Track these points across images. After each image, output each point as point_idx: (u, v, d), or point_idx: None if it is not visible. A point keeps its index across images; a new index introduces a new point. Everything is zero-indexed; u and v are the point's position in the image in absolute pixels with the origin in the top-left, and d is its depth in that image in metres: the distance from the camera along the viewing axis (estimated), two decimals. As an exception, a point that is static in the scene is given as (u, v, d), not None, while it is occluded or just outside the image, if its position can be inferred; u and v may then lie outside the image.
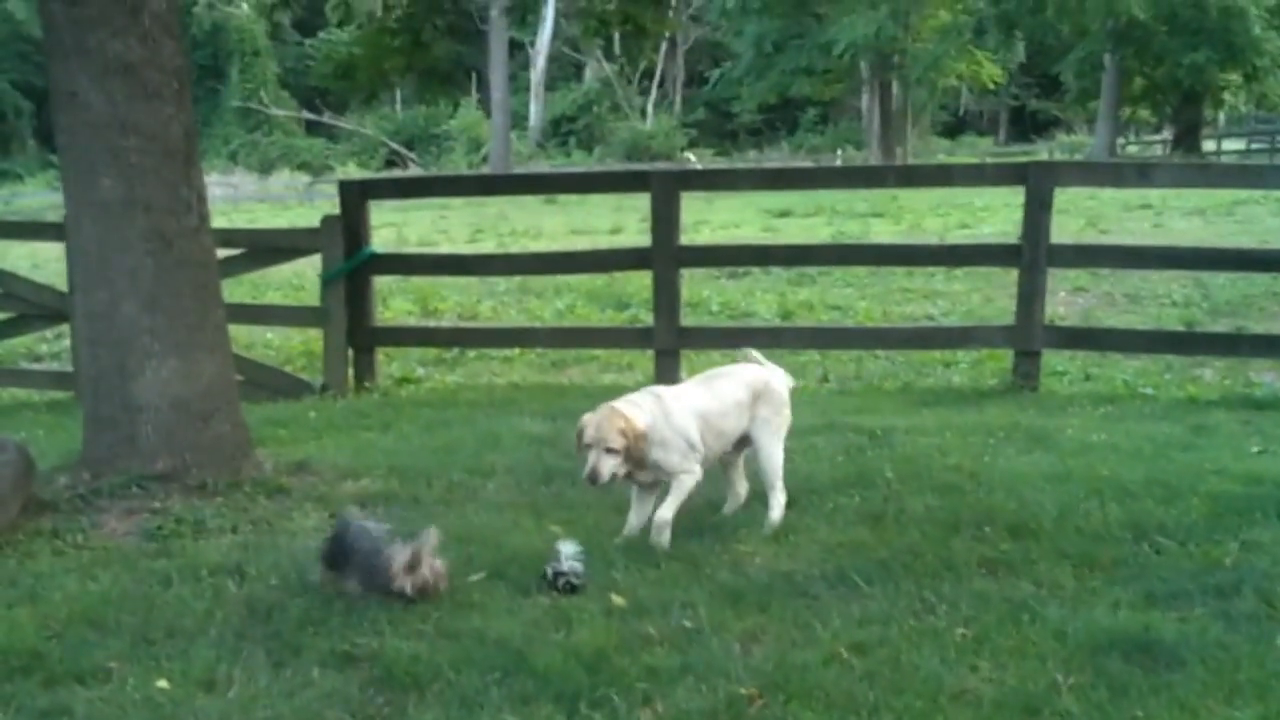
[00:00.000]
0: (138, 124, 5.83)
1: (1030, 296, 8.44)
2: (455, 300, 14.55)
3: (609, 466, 4.85)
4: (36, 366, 11.60)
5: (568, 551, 4.62)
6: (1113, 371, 9.63)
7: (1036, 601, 4.30)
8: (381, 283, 9.80)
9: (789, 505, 5.41)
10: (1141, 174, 10.70)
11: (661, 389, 5.35)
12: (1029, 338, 8.51)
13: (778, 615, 4.27)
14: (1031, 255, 8.40)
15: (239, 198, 41.04)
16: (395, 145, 56.09)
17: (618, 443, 4.83)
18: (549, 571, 4.59)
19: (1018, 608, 4.24)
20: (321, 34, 52.96)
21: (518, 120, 54.71)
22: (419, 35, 9.81)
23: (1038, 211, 8.39)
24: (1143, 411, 7.76)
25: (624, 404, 5.02)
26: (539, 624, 4.23)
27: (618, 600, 4.39)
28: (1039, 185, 8.41)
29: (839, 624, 4.16)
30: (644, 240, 9.48)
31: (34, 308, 9.74)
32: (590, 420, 4.90)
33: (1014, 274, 8.74)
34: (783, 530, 5.15)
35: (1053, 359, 9.20)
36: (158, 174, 5.91)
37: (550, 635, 4.12)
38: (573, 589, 4.53)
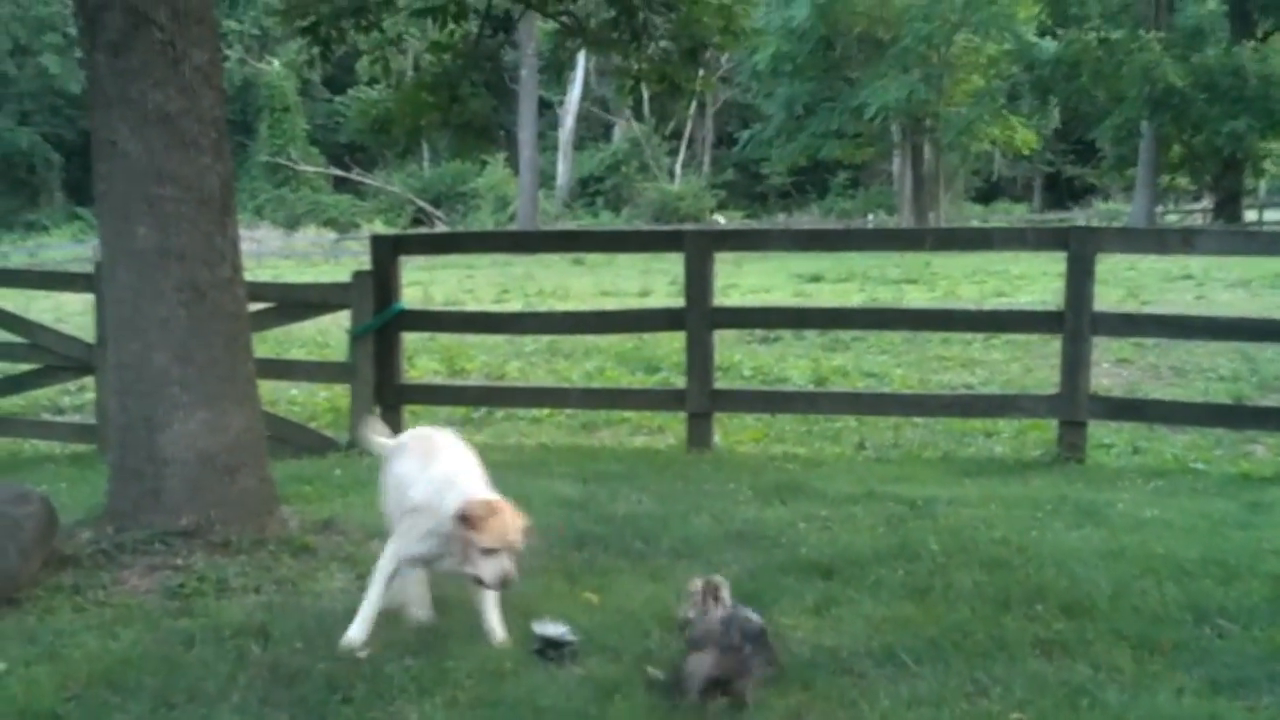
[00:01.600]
0: (175, 173, 5.80)
1: (1075, 365, 8.26)
2: (482, 360, 14.44)
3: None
4: (59, 418, 11.53)
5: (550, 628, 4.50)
6: (1161, 445, 9.37)
7: (1095, 685, 4.11)
8: (407, 341, 9.73)
9: (829, 576, 5.26)
10: (1186, 241, 10.51)
11: (455, 463, 4.87)
12: (1075, 408, 8.30)
13: (822, 693, 4.10)
14: (1075, 323, 8.23)
15: (264, 253, 41.28)
16: (422, 203, 56.48)
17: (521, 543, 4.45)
18: (537, 641, 4.47)
19: (1075, 691, 4.06)
20: (351, 91, 53.51)
21: (545, 179, 55.02)
22: (456, 90, 9.77)
23: (1081, 278, 8.22)
24: (1195, 487, 7.55)
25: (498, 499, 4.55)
26: (574, 695, 4.07)
27: (655, 673, 4.21)
28: (1082, 251, 8.24)
29: (887, 704, 3.98)
30: (674, 302, 9.38)
31: (59, 359, 9.67)
32: (498, 524, 4.37)
33: (1054, 343, 8.59)
34: (825, 603, 4.97)
35: (1098, 430, 8.98)
36: (193, 224, 5.86)
37: (588, 708, 3.96)
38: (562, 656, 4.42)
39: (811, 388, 12.10)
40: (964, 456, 9.07)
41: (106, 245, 5.99)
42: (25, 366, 10.06)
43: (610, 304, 19.75)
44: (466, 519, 4.35)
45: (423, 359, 14.11)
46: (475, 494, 4.51)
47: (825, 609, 4.91)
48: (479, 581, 4.40)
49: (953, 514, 6.49)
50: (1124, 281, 20.74)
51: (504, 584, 4.38)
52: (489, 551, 4.32)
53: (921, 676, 4.22)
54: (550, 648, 4.45)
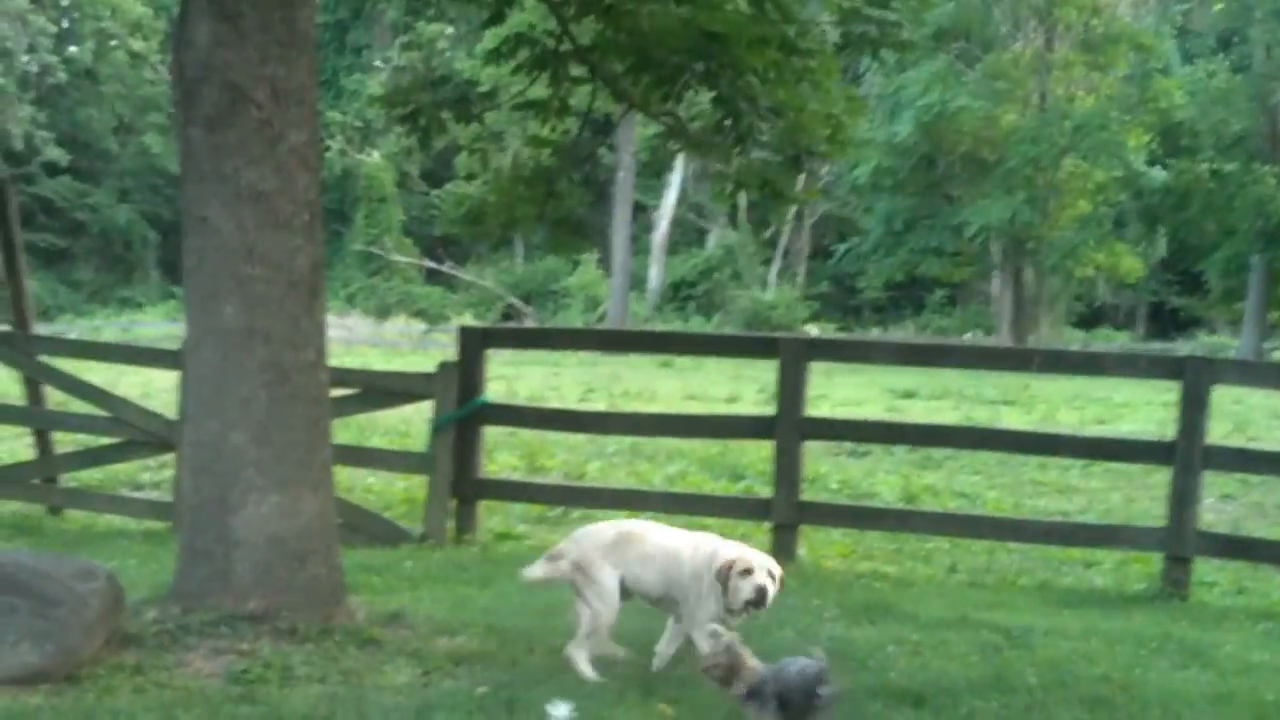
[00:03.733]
0: (265, 253, 5.77)
1: (1183, 499, 7.92)
2: (563, 458, 14.26)
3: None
4: (137, 494, 11.51)
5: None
6: (1267, 585, 8.92)
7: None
8: (488, 435, 9.63)
9: (920, 704, 5.04)
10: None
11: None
12: (1182, 543, 7.94)
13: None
14: (1186, 455, 7.91)
15: (353, 340, 41.63)
16: (513, 298, 56.90)
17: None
18: None
19: None
20: (449, 185, 54.33)
21: (637, 281, 55.23)
22: (552, 186, 9.73)
23: (1194, 409, 7.91)
24: (1304, 630, 7.13)
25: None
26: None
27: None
28: (1196, 382, 7.94)
29: None
30: (763, 409, 9.18)
31: (141, 434, 9.67)
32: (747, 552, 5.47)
33: (1156, 474, 8.32)
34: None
35: (1201, 567, 8.57)
36: (281, 305, 5.82)
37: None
38: None
39: (901, 505, 11.74)
40: (1062, 586, 8.69)
41: (193, 322, 5.97)
42: (106, 440, 10.07)
43: (697, 408, 19.53)
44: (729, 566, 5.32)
45: (503, 454, 13.95)
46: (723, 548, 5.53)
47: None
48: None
49: (1051, 646, 6.19)
50: (1229, 415, 19.99)
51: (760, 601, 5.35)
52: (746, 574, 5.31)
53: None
54: None
